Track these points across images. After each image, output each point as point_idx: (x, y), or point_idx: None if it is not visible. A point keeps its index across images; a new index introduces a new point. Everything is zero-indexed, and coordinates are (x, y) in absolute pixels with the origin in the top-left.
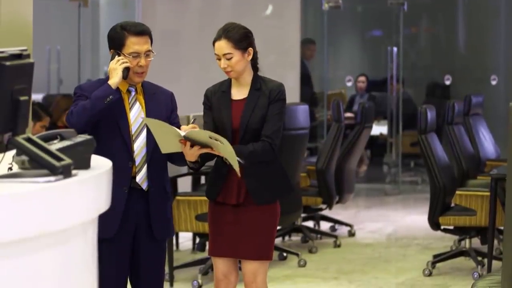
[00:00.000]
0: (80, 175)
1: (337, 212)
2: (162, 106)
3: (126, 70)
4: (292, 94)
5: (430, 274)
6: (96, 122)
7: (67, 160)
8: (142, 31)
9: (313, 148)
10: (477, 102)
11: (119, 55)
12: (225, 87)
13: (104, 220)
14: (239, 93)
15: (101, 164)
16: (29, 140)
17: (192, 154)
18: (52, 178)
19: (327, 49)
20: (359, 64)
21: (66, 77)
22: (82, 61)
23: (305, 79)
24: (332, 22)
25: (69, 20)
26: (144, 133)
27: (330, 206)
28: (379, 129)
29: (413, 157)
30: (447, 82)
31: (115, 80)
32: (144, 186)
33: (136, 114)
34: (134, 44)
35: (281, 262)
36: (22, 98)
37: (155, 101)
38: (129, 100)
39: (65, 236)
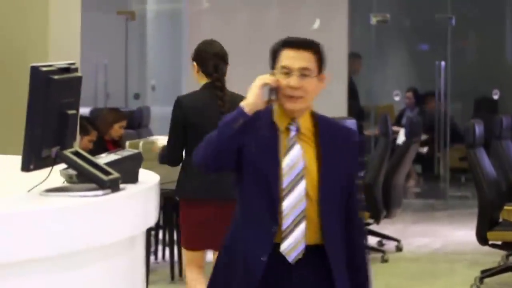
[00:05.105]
0: (128, 189)
1: (384, 226)
2: (341, 159)
3: (272, 91)
4: (340, 108)
5: None
6: (239, 166)
7: (115, 174)
8: (301, 44)
9: (361, 162)
10: None
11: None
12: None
13: None
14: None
15: (149, 178)
16: (77, 154)
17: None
18: (100, 192)
19: (375, 63)
20: (407, 78)
21: (113, 91)
22: (129, 74)
23: (352, 93)
24: (380, 36)
25: (116, 34)
26: (302, 186)
27: (377, 221)
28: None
29: (462, 171)
30: (495, 97)
31: (248, 100)
32: (291, 258)
33: (293, 161)
34: (286, 58)
35: None
36: (70, 112)
37: (335, 150)
38: (287, 143)
39: (113, 250)
